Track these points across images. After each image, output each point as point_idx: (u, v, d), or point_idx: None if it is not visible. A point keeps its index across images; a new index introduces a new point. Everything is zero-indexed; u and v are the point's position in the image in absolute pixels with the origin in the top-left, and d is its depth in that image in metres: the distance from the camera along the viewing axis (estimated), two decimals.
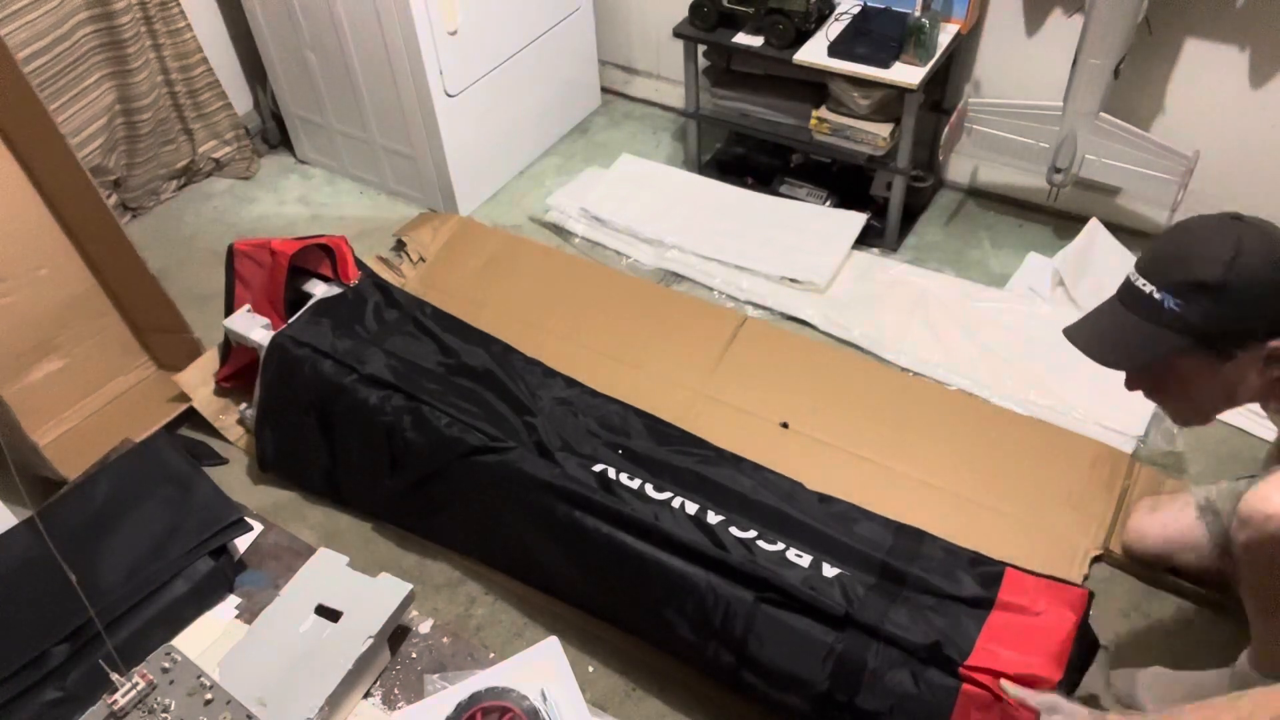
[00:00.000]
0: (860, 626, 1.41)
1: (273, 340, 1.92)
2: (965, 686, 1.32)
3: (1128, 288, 1.26)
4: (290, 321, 1.96)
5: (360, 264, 2.14)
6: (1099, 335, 1.29)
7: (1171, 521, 1.63)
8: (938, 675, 1.34)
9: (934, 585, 1.45)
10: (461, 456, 1.72)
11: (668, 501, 1.60)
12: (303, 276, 2.10)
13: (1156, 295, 1.20)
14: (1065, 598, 1.41)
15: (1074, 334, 1.33)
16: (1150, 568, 1.69)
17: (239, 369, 2.07)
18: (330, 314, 1.98)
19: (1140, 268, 1.25)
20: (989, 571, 1.47)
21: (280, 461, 1.97)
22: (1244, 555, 1.24)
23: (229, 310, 2.07)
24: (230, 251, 2.08)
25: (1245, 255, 1.16)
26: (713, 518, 1.57)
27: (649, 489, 1.63)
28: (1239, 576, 1.29)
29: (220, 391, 2.11)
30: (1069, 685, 1.34)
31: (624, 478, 1.65)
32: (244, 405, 2.08)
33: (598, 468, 1.67)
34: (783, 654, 1.44)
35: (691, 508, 1.59)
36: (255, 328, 1.97)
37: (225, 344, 2.08)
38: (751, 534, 1.54)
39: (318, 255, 2.11)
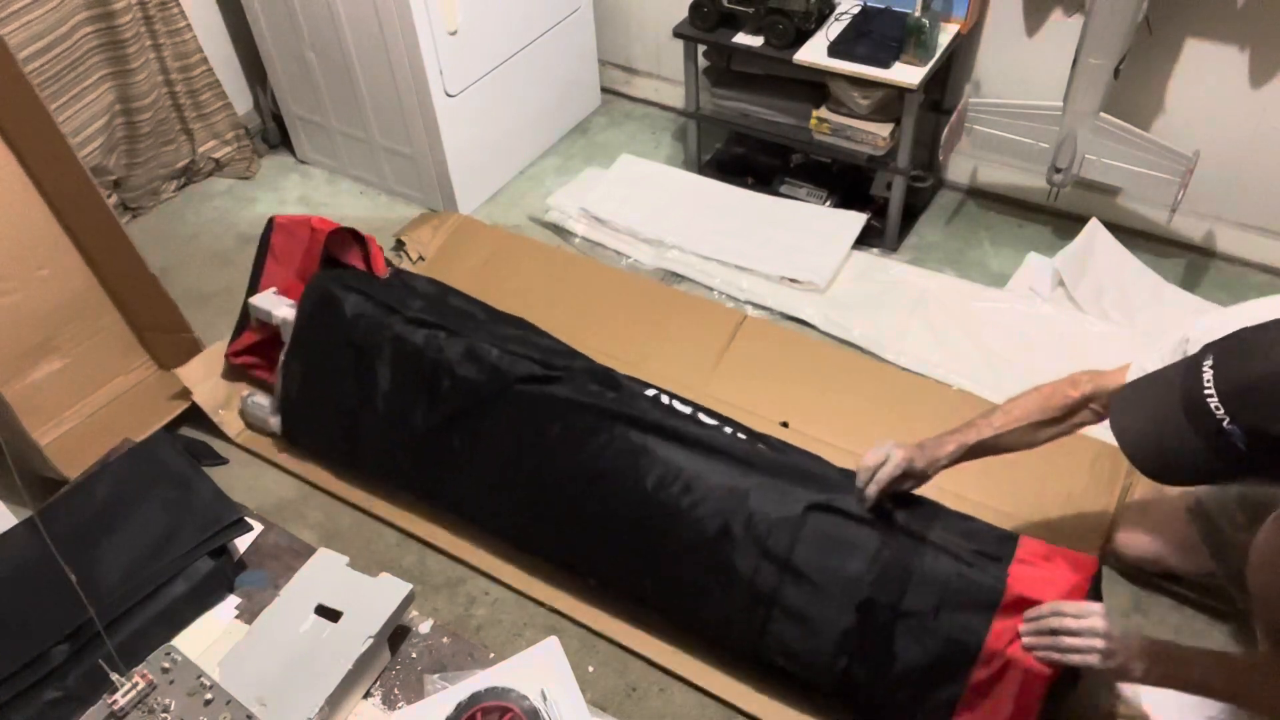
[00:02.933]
0: (905, 533, 1.46)
1: (315, 279, 1.94)
2: (1011, 581, 1.37)
3: (1196, 401, 1.05)
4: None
5: (389, 264, 2.17)
6: (1154, 444, 1.11)
7: (1162, 525, 1.62)
8: (982, 573, 1.39)
9: (955, 541, 1.48)
10: (513, 384, 1.72)
11: (719, 427, 1.64)
12: (332, 267, 2.09)
13: (1226, 425, 1.02)
14: (1076, 560, 1.44)
15: (1125, 429, 1.15)
16: (1143, 572, 1.68)
17: (251, 346, 2.07)
18: (368, 280, 2.01)
19: (1219, 384, 1.04)
20: (1004, 534, 1.51)
21: (301, 406, 1.95)
22: (1267, 593, 1.24)
23: (254, 284, 2.07)
24: (270, 224, 2.07)
25: None
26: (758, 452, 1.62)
27: (700, 415, 1.67)
28: (1256, 612, 1.30)
29: (229, 372, 2.12)
30: None
31: (676, 404, 1.68)
32: (247, 393, 2.08)
33: (650, 392, 1.70)
34: (830, 556, 1.47)
35: (741, 436, 1.62)
36: (280, 306, 1.98)
37: (242, 319, 2.08)
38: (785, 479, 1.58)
39: (351, 247, 2.12)
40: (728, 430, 1.66)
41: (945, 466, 1.48)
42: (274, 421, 2.02)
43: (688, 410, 1.71)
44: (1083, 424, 1.44)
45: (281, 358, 1.97)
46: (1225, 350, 1.06)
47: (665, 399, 1.73)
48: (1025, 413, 1.44)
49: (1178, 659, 1.28)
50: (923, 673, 1.41)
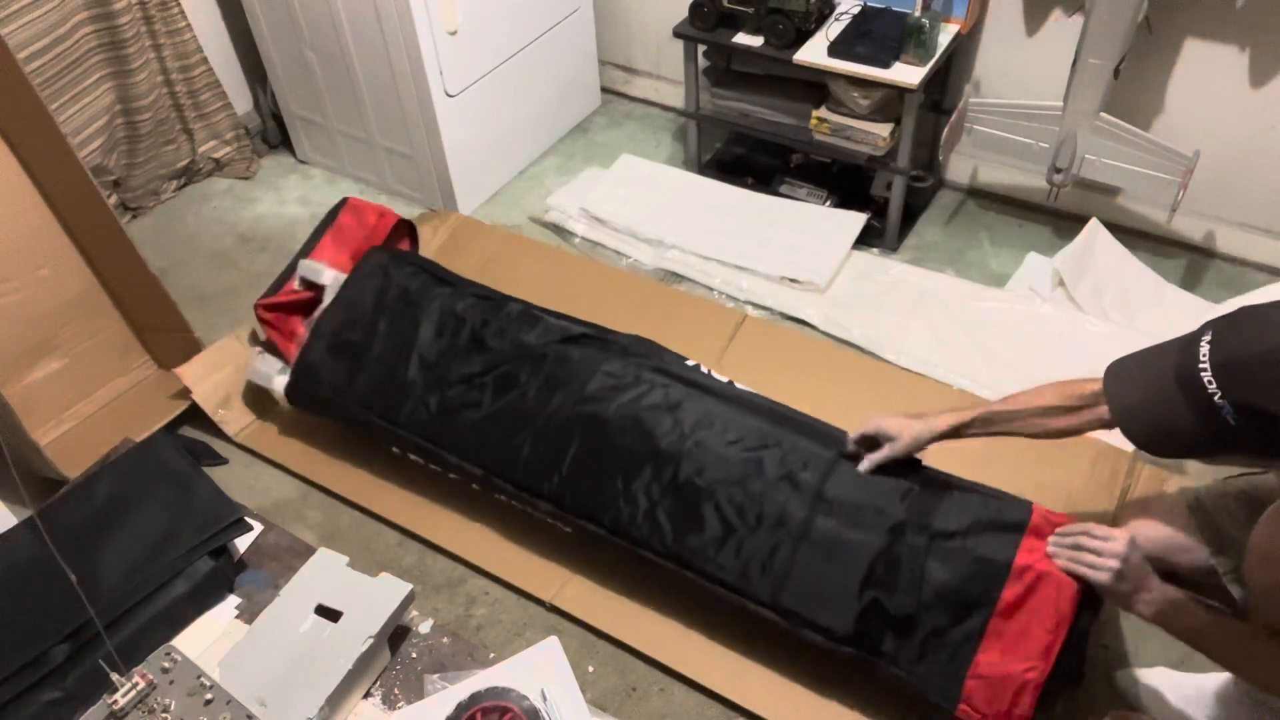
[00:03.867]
0: (933, 482, 1.55)
1: (374, 249, 2.08)
2: (1037, 508, 1.47)
3: (1189, 373, 1.08)
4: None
5: None
6: (1147, 414, 1.15)
7: (1162, 523, 1.62)
8: (1010, 504, 1.49)
9: (979, 488, 1.55)
10: (559, 341, 1.84)
11: (755, 394, 1.77)
12: None
13: (1218, 400, 1.05)
14: None
15: (1118, 397, 1.18)
16: None
17: (280, 305, 2.08)
18: (424, 260, 2.12)
19: (1214, 358, 1.06)
20: (1018, 500, 1.54)
21: (321, 364, 1.94)
22: (1264, 588, 1.25)
23: (307, 249, 2.12)
24: (343, 201, 2.18)
25: None
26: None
27: (735, 383, 1.79)
28: (1254, 607, 1.30)
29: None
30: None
31: (714, 373, 1.81)
32: (258, 349, 2.09)
33: (690, 362, 1.83)
34: (862, 489, 1.53)
35: (778, 402, 1.75)
36: (330, 270, 2.05)
37: (282, 276, 2.12)
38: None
39: (403, 240, 2.25)
40: (764, 398, 1.75)
41: (944, 436, 1.50)
42: (279, 380, 2.01)
43: (724, 379, 1.79)
44: (1098, 422, 1.42)
45: (316, 314, 2.01)
46: (1224, 326, 1.08)
47: (704, 369, 1.82)
48: (1041, 397, 1.45)
49: (1181, 607, 1.31)
50: (952, 595, 1.42)
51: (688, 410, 1.68)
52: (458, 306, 1.93)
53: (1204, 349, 1.07)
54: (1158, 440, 1.14)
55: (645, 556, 1.63)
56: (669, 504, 1.61)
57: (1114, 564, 1.32)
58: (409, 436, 1.85)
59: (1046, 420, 1.46)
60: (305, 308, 2.08)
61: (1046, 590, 1.37)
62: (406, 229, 2.26)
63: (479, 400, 1.81)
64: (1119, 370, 1.21)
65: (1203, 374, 1.06)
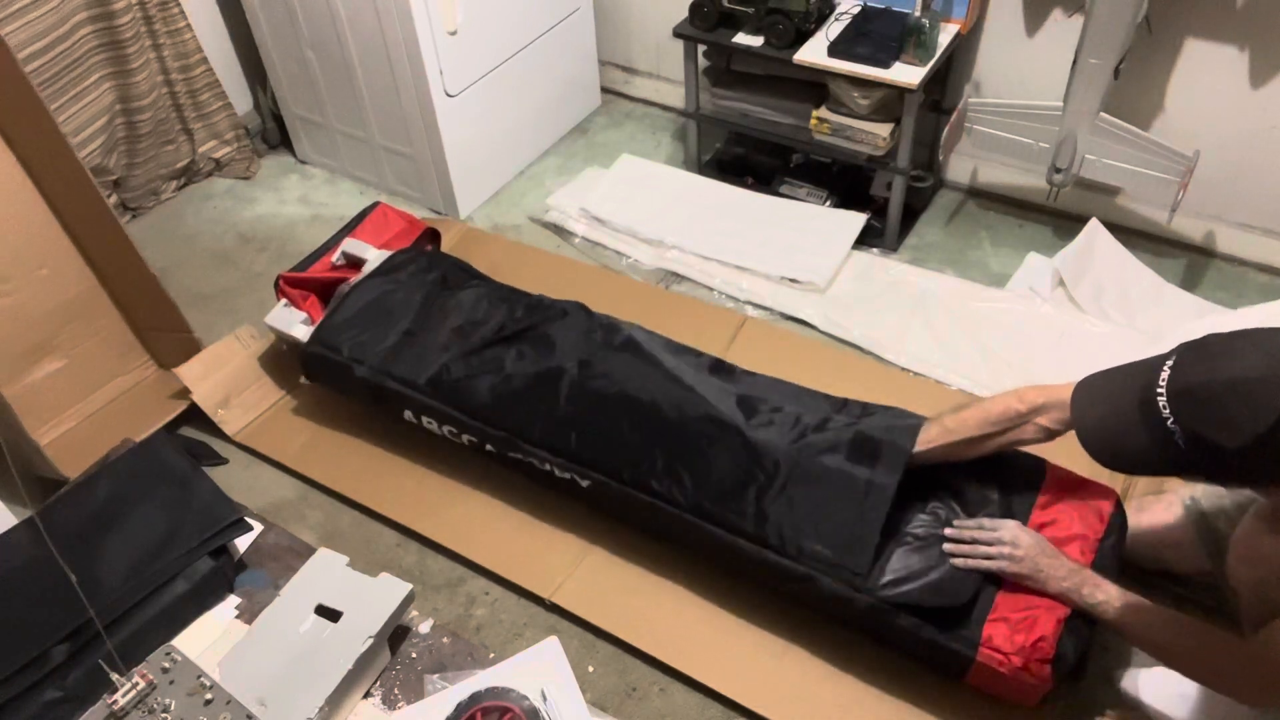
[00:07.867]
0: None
1: (416, 243, 2.24)
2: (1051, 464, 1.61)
3: (1149, 396, 1.10)
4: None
5: None
6: (1107, 433, 1.17)
7: (1158, 523, 1.63)
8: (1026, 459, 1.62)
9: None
10: (588, 315, 1.97)
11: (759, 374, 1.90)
12: None
13: (1170, 425, 1.08)
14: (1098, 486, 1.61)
15: (1083, 415, 1.21)
16: (1141, 570, 1.68)
17: (305, 282, 2.12)
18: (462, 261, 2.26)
19: (1171, 384, 1.09)
20: (1032, 456, 1.64)
21: (348, 324, 1.98)
22: (1247, 585, 1.26)
23: (348, 232, 2.23)
24: (374, 204, 2.31)
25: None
26: None
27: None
28: (1240, 605, 1.31)
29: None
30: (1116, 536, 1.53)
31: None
32: (284, 301, 2.10)
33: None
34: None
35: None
36: (374, 249, 2.15)
37: (312, 257, 2.20)
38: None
39: (428, 246, 2.34)
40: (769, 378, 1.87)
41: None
42: (300, 329, 2.04)
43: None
44: (1029, 440, 1.48)
45: (353, 280, 2.07)
46: (1187, 352, 1.11)
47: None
48: (963, 427, 1.51)
49: (1092, 581, 1.38)
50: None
51: (708, 379, 1.81)
52: (490, 296, 2.05)
53: (1165, 374, 1.10)
54: (1120, 460, 1.17)
55: (665, 512, 1.66)
56: (691, 460, 1.67)
57: (1005, 549, 1.42)
58: (426, 399, 1.86)
59: (970, 448, 1.52)
60: (326, 291, 2.11)
61: (1066, 533, 1.49)
62: (430, 237, 2.31)
63: (503, 368, 1.87)
64: (1088, 386, 1.23)
65: (1159, 398, 1.09)
